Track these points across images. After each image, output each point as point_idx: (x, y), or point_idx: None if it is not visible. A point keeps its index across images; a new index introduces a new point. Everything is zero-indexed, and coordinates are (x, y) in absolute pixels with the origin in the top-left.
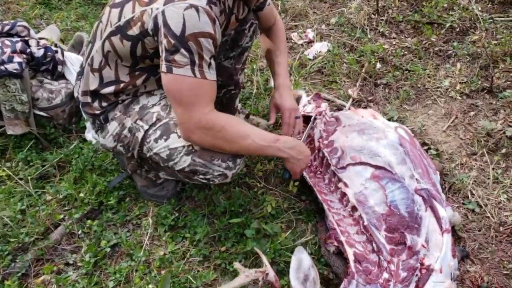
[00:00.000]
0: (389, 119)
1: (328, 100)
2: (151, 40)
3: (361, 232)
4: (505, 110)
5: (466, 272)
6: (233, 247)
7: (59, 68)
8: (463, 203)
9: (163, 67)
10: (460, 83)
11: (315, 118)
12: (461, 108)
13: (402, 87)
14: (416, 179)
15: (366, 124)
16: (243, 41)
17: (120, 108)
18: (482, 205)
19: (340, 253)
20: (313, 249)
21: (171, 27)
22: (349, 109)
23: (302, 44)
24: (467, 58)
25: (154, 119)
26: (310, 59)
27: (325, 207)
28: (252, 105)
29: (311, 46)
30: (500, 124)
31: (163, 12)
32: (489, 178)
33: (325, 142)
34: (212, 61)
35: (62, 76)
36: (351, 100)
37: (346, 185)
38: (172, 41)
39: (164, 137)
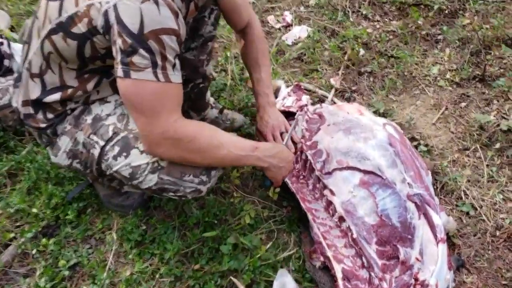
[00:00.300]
0: (375, 112)
1: (309, 90)
2: (102, 39)
3: (349, 245)
4: (498, 101)
5: (462, 283)
6: (208, 265)
7: (6, 62)
8: (457, 205)
9: (119, 71)
10: (449, 70)
11: (296, 116)
12: (451, 98)
13: (388, 75)
14: (408, 183)
15: (352, 122)
16: (204, 30)
17: (70, 120)
18: (477, 207)
19: (327, 268)
20: (296, 265)
21: (126, 24)
22: (332, 101)
23: (279, 28)
24: (456, 43)
25: (110, 133)
26: (288, 45)
27: (310, 217)
28: (226, 98)
29: (289, 30)
30: (494, 116)
31: (115, 7)
32: (483, 177)
33: (308, 143)
34: (177, 61)
35: (9, 71)
36: (333, 90)
37: (332, 192)
38: (129, 41)
39: (124, 154)
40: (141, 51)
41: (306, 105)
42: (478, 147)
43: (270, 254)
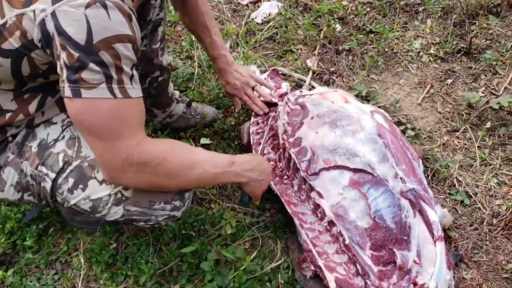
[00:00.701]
0: (357, 96)
1: (284, 75)
2: (42, 53)
3: (341, 251)
4: (486, 75)
5: (462, 280)
6: (189, 283)
7: None
8: (450, 193)
9: (67, 91)
10: (433, 44)
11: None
12: (437, 75)
13: (368, 52)
14: (401, 177)
15: (338, 113)
16: (152, 14)
17: (13, 148)
18: (472, 194)
19: (319, 277)
20: (285, 276)
21: (70, 34)
22: (310, 85)
23: (247, 5)
24: (438, 13)
25: (61, 163)
26: (258, 24)
27: (297, 222)
28: (194, 90)
29: (258, 7)
30: (482, 93)
31: (53, 15)
32: (475, 160)
33: (291, 139)
34: (135, 72)
35: None
36: (311, 73)
37: (320, 195)
38: (76, 54)
39: (81, 186)
40: (92, 65)
41: (286, 93)
42: (468, 128)
43: (256, 266)
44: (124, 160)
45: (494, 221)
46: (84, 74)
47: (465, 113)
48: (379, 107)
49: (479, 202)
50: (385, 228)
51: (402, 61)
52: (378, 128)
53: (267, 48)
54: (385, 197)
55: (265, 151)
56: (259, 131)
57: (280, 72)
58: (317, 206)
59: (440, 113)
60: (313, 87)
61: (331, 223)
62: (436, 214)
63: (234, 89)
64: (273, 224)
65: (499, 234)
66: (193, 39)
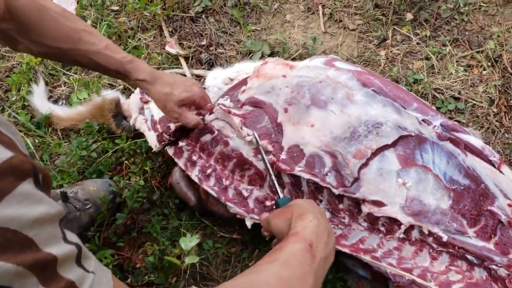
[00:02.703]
0: (262, 58)
1: None
2: None
3: (436, 254)
4: None
5: None
6: None
7: None
8: (438, 108)
9: None
10: None
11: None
12: None
13: (226, 4)
14: (423, 120)
15: (305, 86)
16: None
17: None
18: (458, 97)
19: None
20: None
21: None
22: (194, 75)
23: None
24: None
25: None
26: None
27: (365, 258)
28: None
29: None
30: None
31: None
32: (430, 59)
33: (283, 155)
34: None
35: None
36: (183, 61)
37: (379, 203)
38: None
39: None
40: None
41: (217, 103)
42: (393, 30)
43: None
44: None
45: (494, 109)
46: None
47: (380, 16)
48: (302, 55)
49: (470, 99)
50: (465, 190)
51: None
52: (355, 77)
53: None
54: (437, 154)
55: (240, 188)
56: (207, 171)
57: None
58: (374, 220)
59: (354, 30)
60: (199, 77)
61: (410, 228)
62: (472, 135)
63: (182, 116)
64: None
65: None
66: None
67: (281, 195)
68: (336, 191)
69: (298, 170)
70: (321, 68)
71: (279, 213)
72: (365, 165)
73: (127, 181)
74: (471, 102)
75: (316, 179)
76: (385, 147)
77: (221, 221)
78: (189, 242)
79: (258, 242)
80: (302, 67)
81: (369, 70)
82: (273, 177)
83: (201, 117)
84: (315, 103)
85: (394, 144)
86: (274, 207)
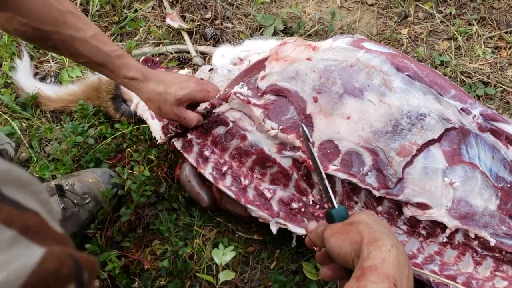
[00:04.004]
0: (275, 34)
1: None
2: None
3: (480, 258)
4: None
5: None
6: None
7: None
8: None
9: None
10: None
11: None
12: None
13: None
14: (462, 109)
15: (335, 71)
16: None
17: None
18: (487, 81)
19: None
20: None
21: None
22: (199, 53)
23: None
24: None
25: None
26: None
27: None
28: None
29: None
30: None
31: None
32: (457, 39)
33: (315, 153)
34: None
35: None
36: (187, 36)
37: (424, 206)
38: None
39: None
40: None
41: (233, 91)
42: (415, 6)
43: None
44: None
45: None
46: None
47: None
48: (318, 32)
49: (500, 84)
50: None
51: None
52: (391, 60)
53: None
54: (482, 148)
55: (261, 188)
56: (222, 168)
57: (158, 59)
58: (415, 223)
59: (372, 5)
60: (204, 54)
61: (453, 232)
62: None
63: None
64: None
65: None
66: None
67: (336, 205)
68: (377, 193)
69: (333, 169)
70: (348, 50)
71: (340, 231)
72: (410, 163)
73: (130, 171)
74: (500, 87)
75: (355, 180)
76: (431, 142)
77: (236, 218)
78: (222, 255)
79: (279, 242)
80: (327, 49)
81: (401, 53)
82: (326, 181)
83: (212, 108)
84: (349, 91)
85: (439, 139)
86: (324, 218)
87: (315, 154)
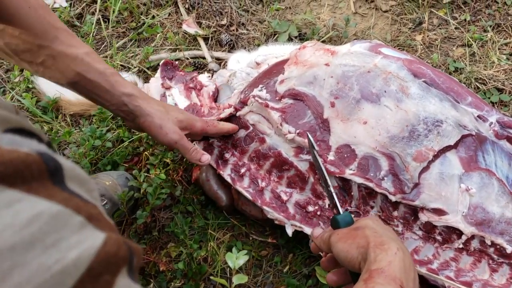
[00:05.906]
0: (290, 40)
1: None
2: None
3: (496, 265)
4: None
5: None
6: None
7: None
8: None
9: None
10: None
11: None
12: None
13: None
14: (479, 116)
15: (352, 77)
16: None
17: None
18: (501, 87)
19: None
20: None
21: None
22: (214, 59)
23: None
24: None
25: None
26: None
27: (421, 270)
28: None
29: None
30: None
31: None
32: (471, 45)
33: (331, 156)
34: None
35: None
36: (202, 42)
37: (440, 212)
38: None
39: None
40: None
41: (252, 95)
42: (430, 12)
43: None
44: None
45: None
46: None
47: (420, 2)
48: (332, 38)
49: None
50: None
51: None
52: (408, 66)
53: (117, 36)
54: (499, 155)
55: (278, 191)
56: (240, 170)
57: (176, 64)
58: (431, 229)
59: (386, 11)
60: (220, 60)
61: (469, 238)
62: None
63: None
64: None
65: None
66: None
67: (341, 211)
68: (393, 198)
69: (350, 173)
70: (366, 55)
71: (346, 236)
72: (426, 168)
73: (146, 174)
74: None
75: (371, 184)
76: (447, 148)
77: (250, 221)
78: (236, 259)
79: (292, 245)
80: (345, 54)
81: (418, 59)
82: (331, 188)
83: (235, 111)
84: (366, 97)
85: (456, 145)
86: (330, 224)
87: (320, 161)
